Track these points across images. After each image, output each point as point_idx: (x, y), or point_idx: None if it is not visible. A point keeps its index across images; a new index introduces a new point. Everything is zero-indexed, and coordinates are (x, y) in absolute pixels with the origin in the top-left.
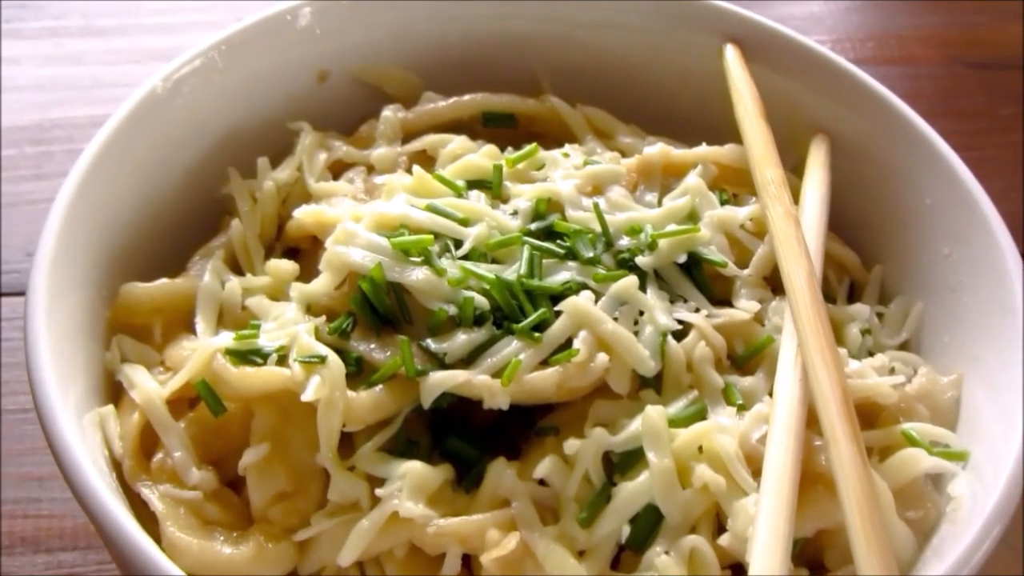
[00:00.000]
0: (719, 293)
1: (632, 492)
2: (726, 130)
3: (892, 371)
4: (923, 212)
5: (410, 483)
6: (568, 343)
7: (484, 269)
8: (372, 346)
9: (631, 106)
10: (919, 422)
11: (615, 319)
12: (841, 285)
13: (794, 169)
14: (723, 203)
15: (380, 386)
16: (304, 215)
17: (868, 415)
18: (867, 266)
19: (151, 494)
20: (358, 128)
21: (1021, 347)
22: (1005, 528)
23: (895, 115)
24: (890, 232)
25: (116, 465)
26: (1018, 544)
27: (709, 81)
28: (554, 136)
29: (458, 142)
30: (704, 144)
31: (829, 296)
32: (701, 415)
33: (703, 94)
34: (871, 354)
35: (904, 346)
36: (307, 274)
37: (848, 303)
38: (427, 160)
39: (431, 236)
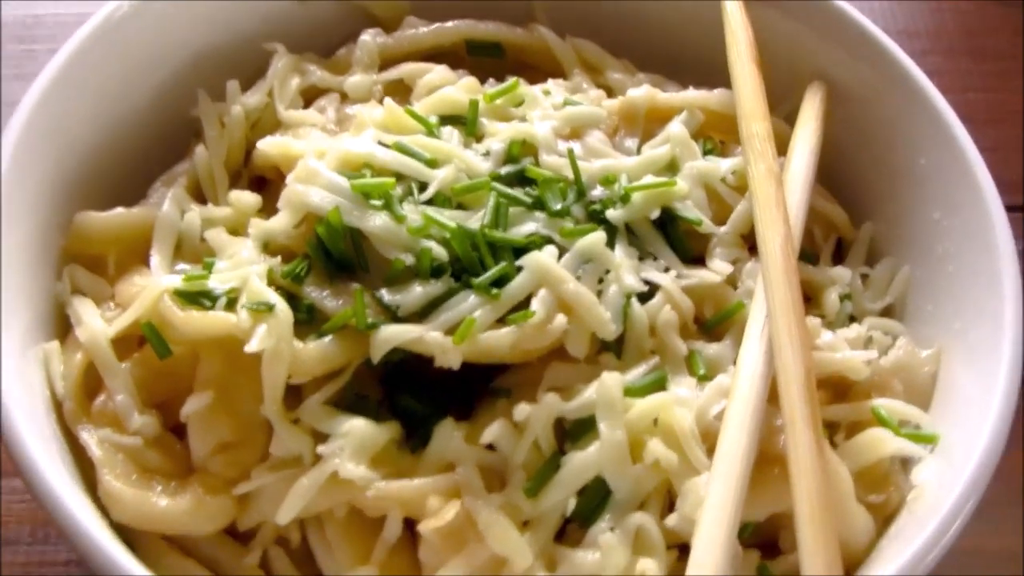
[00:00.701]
0: (694, 250)
1: (581, 463)
2: (724, 68)
3: (870, 340)
4: (917, 172)
5: (353, 442)
6: (528, 300)
7: (447, 216)
8: (325, 293)
9: (625, 38)
10: (892, 398)
11: (578, 277)
12: (827, 243)
13: (788, 116)
14: (707, 152)
15: (329, 337)
16: (268, 147)
17: (840, 387)
18: (856, 222)
19: (90, 439)
20: (339, 48)
21: (1005, 327)
22: (966, 523)
23: (895, 67)
24: (882, 189)
25: (58, 405)
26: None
27: (709, 17)
28: (542, 67)
29: (436, 73)
30: (693, 88)
31: (813, 254)
32: (660, 384)
33: (701, 30)
34: (852, 318)
35: (887, 310)
36: (272, 204)
37: (835, 260)
38: (404, 89)
39: (393, 180)
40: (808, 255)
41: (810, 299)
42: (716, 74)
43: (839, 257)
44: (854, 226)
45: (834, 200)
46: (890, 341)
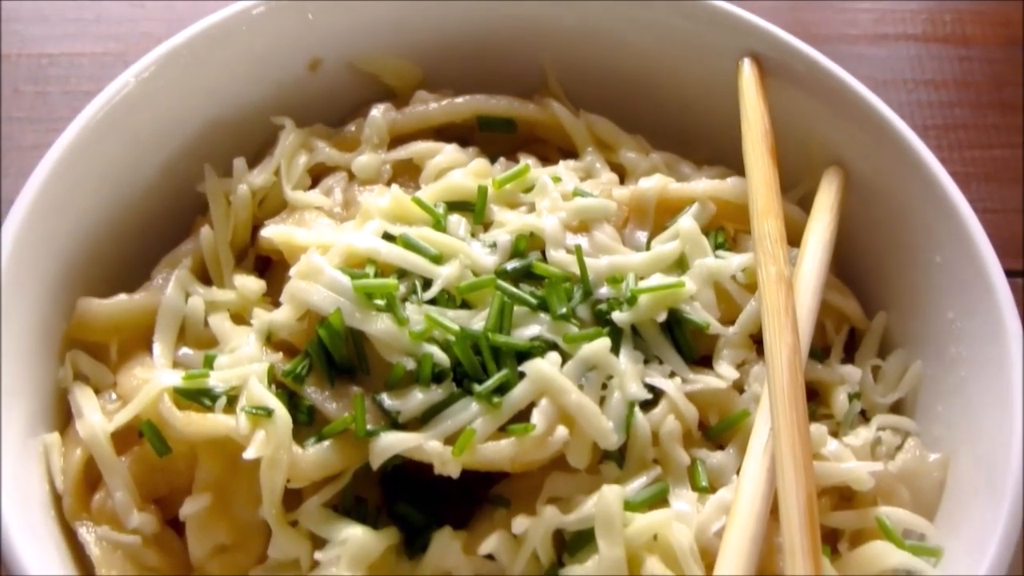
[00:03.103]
0: (701, 349)
1: None
2: (739, 141)
3: (878, 442)
4: (932, 269)
5: (350, 551)
6: (529, 409)
7: (451, 316)
8: (325, 395)
9: (640, 112)
10: (898, 505)
11: (581, 386)
12: (840, 334)
13: (804, 199)
14: (719, 246)
15: (328, 442)
16: (273, 235)
17: (845, 493)
18: (870, 311)
19: (88, 536)
20: (350, 117)
21: (1016, 444)
22: None
23: (914, 157)
24: (897, 280)
25: (57, 499)
26: None
27: (724, 93)
28: (554, 142)
29: (446, 154)
30: (707, 168)
31: (824, 348)
32: (662, 497)
33: (717, 106)
34: (863, 413)
35: (898, 404)
36: (278, 284)
37: (847, 348)
38: (413, 168)
39: (395, 283)
40: (819, 350)
41: (818, 395)
42: (731, 146)
43: (851, 345)
44: (868, 315)
45: (848, 292)
46: (899, 440)
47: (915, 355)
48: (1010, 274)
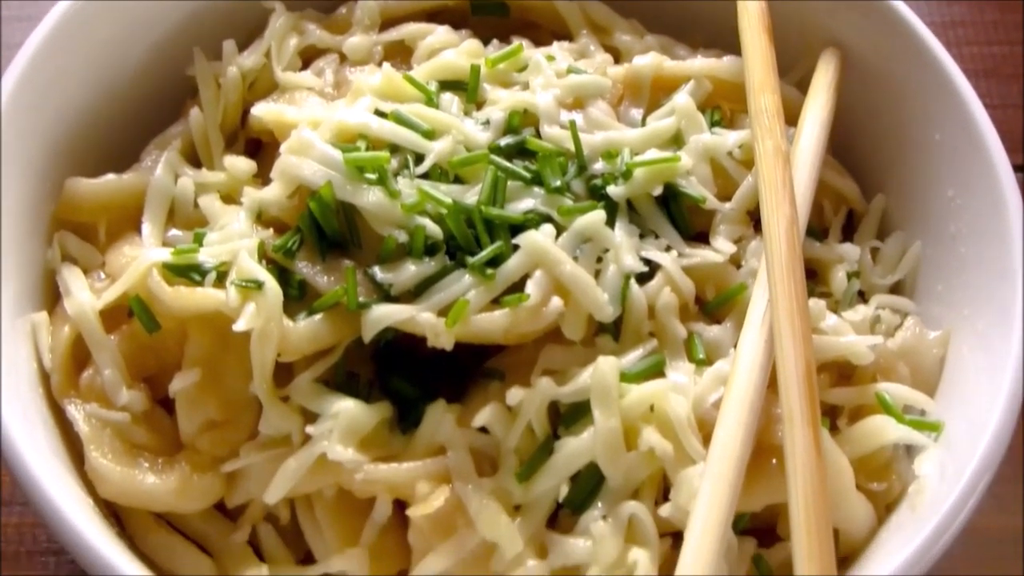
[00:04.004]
0: (697, 226)
1: (574, 449)
2: (735, 26)
3: (877, 320)
4: (931, 147)
5: (342, 424)
6: (523, 281)
7: (443, 191)
8: (317, 269)
9: None
10: (897, 382)
11: (576, 258)
12: (838, 215)
13: (801, 81)
14: (715, 123)
15: (320, 316)
16: (263, 114)
17: (845, 370)
18: (868, 194)
19: (76, 414)
20: (341, 1)
21: (1015, 321)
22: (970, 518)
23: (912, 37)
24: (895, 161)
25: (45, 378)
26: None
27: None
28: (548, 27)
29: (438, 35)
30: (703, 50)
31: (822, 228)
32: (658, 369)
33: None
34: (861, 294)
35: (897, 286)
36: (268, 167)
37: (846, 231)
38: (405, 51)
39: (387, 155)
40: (816, 230)
41: (817, 275)
42: (727, 33)
43: (850, 228)
44: (866, 198)
45: (845, 173)
46: (898, 320)
47: (914, 236)
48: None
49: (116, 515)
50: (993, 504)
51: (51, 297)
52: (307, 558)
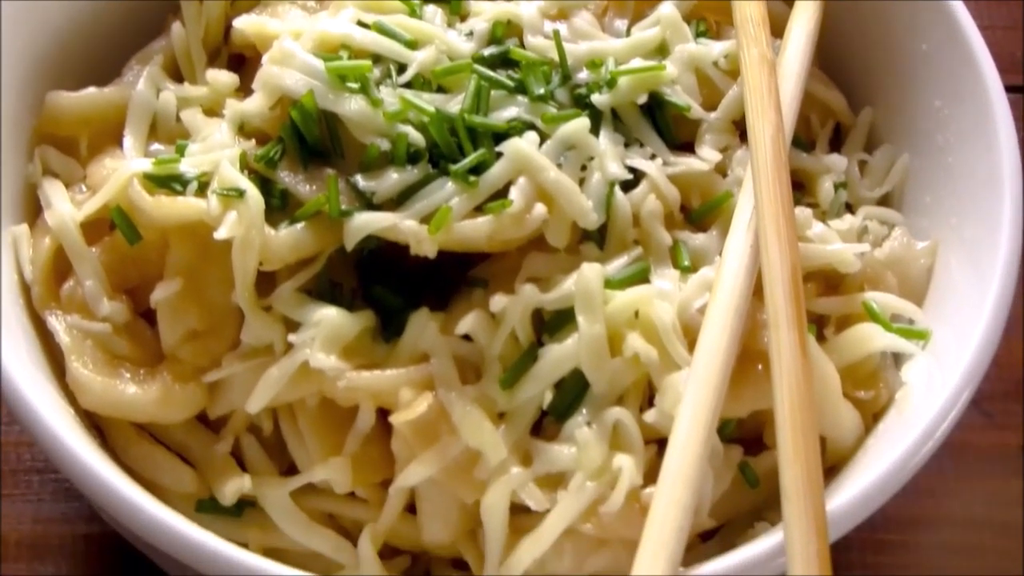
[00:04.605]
0: (682, 136)
1: (558, 356)
2: None
3: (864, 231)
4: (918, 58)
5: (324, 331)
6: (507, 189)
7: (426, 100)
8: (299, 178)
9: None
10: (885, 291)
11: (560, 165)
12: (825, 128)
13: None
14: (700, 35)
15: (302, 224)
16: (245, 26)
17: (832, 279)
18: (856, 107)
19: (57, 325)
20: None
21: (1002, 226)
22: (954, 424)
23: None
24: (882, 73)
25: (26, 290)
26: None
27: None
28: None
29: None
30: None
31: (809, 141)
32: (643, 276)
33: None
34: (848, 207)
35: (884, 199)
36: (250, 83)
37: (834, 146)
38: None
39: (369, 63)
40: (803, 142)
41: (804, 187)
42: None
43: (837, 143)
44: (853, 111)
45: (832, 85)
46: (886, 231)
47: (902, 149)
48: (1009, 90)
49: (98, 428)
50: (986, 421)
51: (32, 211)
52: (290, 470)
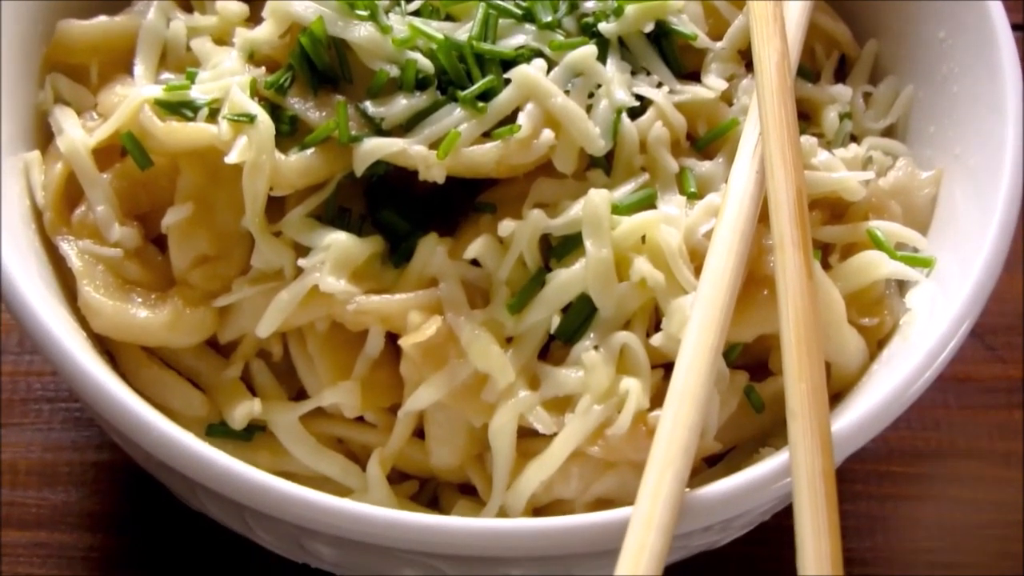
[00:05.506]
0: (689, 65)
1: (566, 280)
2: None
3: (869, 161)
4: None
5: (334, 256)
6: (515, 114)
7: (435, 27)
8: (309, 104)
9: None
10: (890, 220)
11: (567, 91)
12: (829, 60)
13: None
14: None
15: (312, 149)
16: None
17: (837, 208)
18: (860, 39)
19: (69, 250)
20: None
21: (1006, 154)
22: (957, 348)
23: None
24: (887, 6)
25: (38, 215)
26: None
27: None
28: None
29: None
30: None
31: (814, 71)
32: (649, 201)
33: None
34: (853, 138)
35: (889, 131)
36: (259, 13)
37: (838, 78)
38: None
39: None
40: (809, 73)
41: (809, 117)
42: None
43: (842, 75)
44: (858, 43)
45: (837, 17)
46: (890, 162)
47: (907, 80)
48: (1012, 28)
49: (109, 353)
50: (989, 355)
51: (44, 139)
52: (300, 395)
